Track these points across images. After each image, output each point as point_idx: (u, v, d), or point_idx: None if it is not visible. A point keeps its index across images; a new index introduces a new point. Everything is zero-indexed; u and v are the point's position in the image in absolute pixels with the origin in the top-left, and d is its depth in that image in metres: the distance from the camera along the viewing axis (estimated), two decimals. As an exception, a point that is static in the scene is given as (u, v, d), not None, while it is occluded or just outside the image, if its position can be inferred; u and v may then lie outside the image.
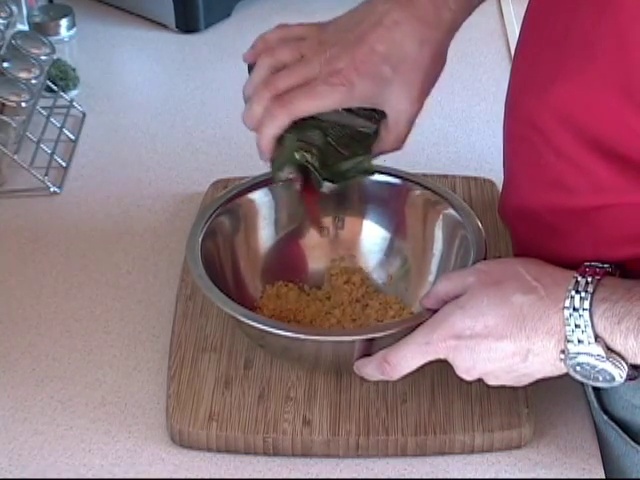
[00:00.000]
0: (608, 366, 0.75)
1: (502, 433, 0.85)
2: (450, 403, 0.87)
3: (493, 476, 0.84)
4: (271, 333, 0.83)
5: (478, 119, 1.25)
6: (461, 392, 0.88)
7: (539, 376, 0.80)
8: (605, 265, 0.77)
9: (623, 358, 0.74)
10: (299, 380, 0.89)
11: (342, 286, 0.96)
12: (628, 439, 0.86)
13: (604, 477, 0.85)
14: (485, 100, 1.27)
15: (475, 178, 1.10)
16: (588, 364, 0.75)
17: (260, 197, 0.97)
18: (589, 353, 0.74)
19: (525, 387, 0.87)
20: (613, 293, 0.75)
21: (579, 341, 0.74)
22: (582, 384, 0.91)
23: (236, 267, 0.95)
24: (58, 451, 0.86)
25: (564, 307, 0.75)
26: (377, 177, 0.97)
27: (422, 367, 0.89)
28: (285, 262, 0.98)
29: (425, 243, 0.96)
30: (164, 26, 1.44)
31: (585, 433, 0.88)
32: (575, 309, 0.74)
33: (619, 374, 0.75)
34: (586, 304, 0.74)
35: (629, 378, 0.77)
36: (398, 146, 0.92)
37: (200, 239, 0.91)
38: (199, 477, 0.85)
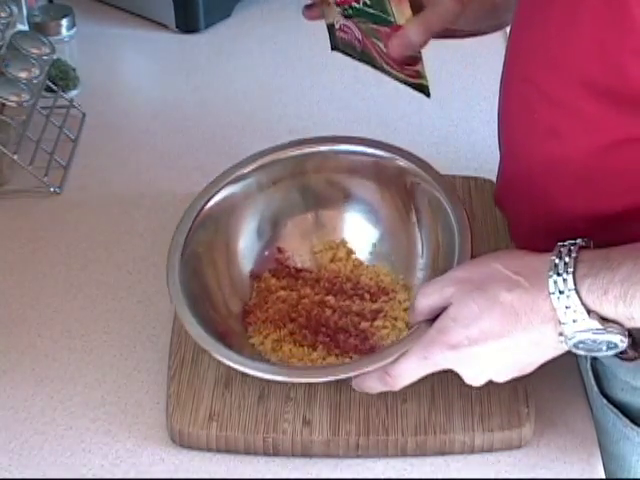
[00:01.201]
0: (607, 336, 0.75)
1: (502, 433, 0.85)
2: (450, 403, 0.87)
3: (493, 476, 0.84)
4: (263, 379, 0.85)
5: (478, 119, 1.25)
6: (461, 392, 0.88)
7: (543, 361, 0.80)
8: (578, 240, 0.77)
9: (619, 323, 0.75)
10: (299, 380, 0.89)
11: (329, 265, 0.97)
12: (627, 421, 0.87)
13: (604, 477, 0.85)
14: (485, 100, 1.27)
15: (475, 178, 1.10)
16: (588, 340, 0.75)
17: (234, 198, 0.97)
18: (586, 329, 0.75)
19: (525, 387, 0.87)
20: (592, 267, 0.75)
21: (574, 321, 0.75)
22: (582, 382, 0.91)
23: (220, 276, 0.95)
24: (58, 451, 0.86)
25: (550, 293, 0.75)
26: (354, 148, 0.98)
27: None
28: (268, 255, 0.98)
29: (402, 212, 0.97)
30: (164, 26, 1.44)
31: (585, 433, 0.88)
32: (561, 292, 0.75)
33: (620, 339, 0.75)
34: (570, 284, 0.74)
35: (629, 359, 0.77)
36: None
37: (178, 256, 0.92)
38: (199, 477, 0.85)
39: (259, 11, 1.49)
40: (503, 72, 0.88)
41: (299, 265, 0.98)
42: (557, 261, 0.76)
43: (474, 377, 0.82)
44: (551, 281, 0.75)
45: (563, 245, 0.77)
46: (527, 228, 0.88)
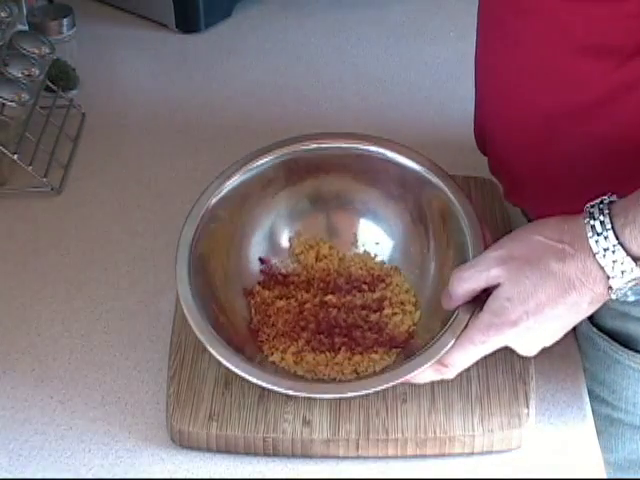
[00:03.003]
0: None
1: (502, 433, 0.85)
2: (450, 403, 0.87)
3: (493, 476, 0.84)
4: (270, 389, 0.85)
5: (478, 119, 1.25)
6: (461, 392, 0.88)
7: (586, 315, 0.81)
8: (604, 198, 0.78)
9: None
10: (299, 380, 0.89)
11: (316, 264, 0.97)
12: (618, 345, 0.91)
13: (604, 477, 0.85)
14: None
15: (475, 178, 1.10)
16: (637, 289, 0.78)
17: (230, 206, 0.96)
18: (636, 278, 0.77)
19: (525, 387, 0.87)
20: (627, 215, 0.77)
21: (622, 272, 0.76)
22: (582, 382, 0.91)
23: (222, 300, 0.93)
24: (58, 451, 0.86)
25: (595, 254, 0.77)
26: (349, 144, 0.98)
27: (422, 367, 0.89)
28: (252, 269, 0.97)
29: (366, 193, 0.98)
30: (164, 26, 1.44)
31: (585, 433, 0.88)
32: (605, 249, 0.76)
33: None
34: (612, 239, 0.76)
35: None
36: None
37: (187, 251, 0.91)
38: (199, 477, 0.85)
39: (259, 11, 1.49)
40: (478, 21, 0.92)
41: (284, 271, 0.97)
42: (593, 222, 0.77)
43: (529, 349, 0.83)
44: (592, 241, 0.77)
45: (592, 206, 0.78)
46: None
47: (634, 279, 0.76)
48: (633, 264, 0.76)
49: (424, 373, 0.84)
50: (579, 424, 0.88)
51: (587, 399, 0.90)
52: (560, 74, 0.85)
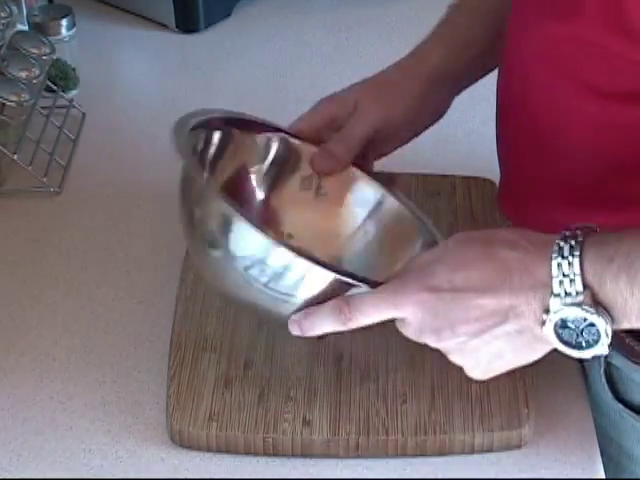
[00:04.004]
0: (595, 318, 0.70)
1: (502, 433, 0.85)
2: (450, 403, 0.87)
3: (493, 476, 0.84)
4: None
5: (478, 119, 1.25)
6: (461, 392, 0.88)
7: (511, 357, 0.76)
8: (587, 225, 0.73)
9: (609, 313, 0.71)
10: (299, 380, 0.89)
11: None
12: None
13: (604, 477, 0.85)
14: (485, 100, 1.27)
15: (475, 178, 1.10)
16: (574, 319, 0.71)
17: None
18: (576, 303, 0.70)
19: (525, 387, 0.87)
20: (602, 238, 0.72)
21: (566, 294, 0.70)
22: (582, 382, 0.91)
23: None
24: (58, 451, 0.86)
25: (552, 257, 0.71)
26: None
27: (422, 367, 0.89)
28: None
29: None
30: (164, 26, 1.44)
31: (585, 433, 0.88)
32: (564, 257, 0.70)
33: (605, 330, 0.71)
34: (576, 250, 0.70)
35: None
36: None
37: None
38: (199, 477, 0.85)
39: (259, 11, 1.49)
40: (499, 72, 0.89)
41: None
42: (567, 233, 0.72)
43: (436, 329, 0.75)
44: (556, 246, 0.71)
45: (576, 227, 0.73)
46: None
47: (578, 303, 0.70)
48: (581, 287, 0.70)
49: (325, 309, 0.77)
50: (579, 424, 0.88)
51: (587, 399, 0.90)
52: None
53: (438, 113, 0.99)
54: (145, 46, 1.42)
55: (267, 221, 0.94)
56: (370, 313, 0.76)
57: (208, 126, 0.93)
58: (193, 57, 1.40)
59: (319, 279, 0.78)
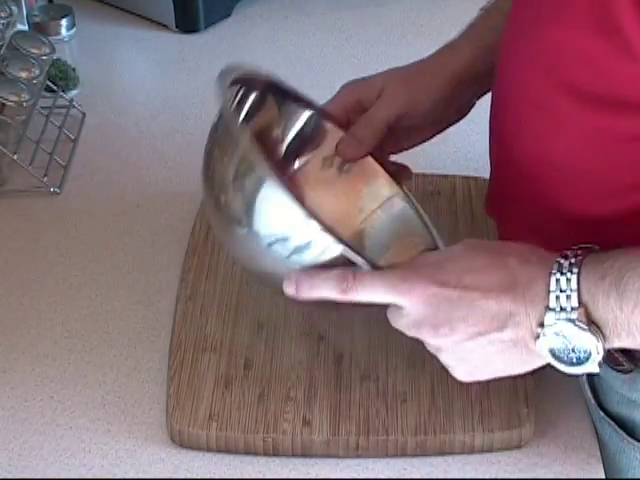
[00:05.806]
0: (587, 336, 0.71)
1: (502, 433, 0.85)
2: (450, 403, 0.87)
3: (493, 476, 0.84)
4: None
5: (478, 119, 1.25)
6: (461, 392, 0.88)
7: (501, 365, 0.76)
8: (589, 245, 0.75)
9: (601, 331, 0.72)
10: (299, 380, 0.89)
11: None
12: (624, 434, 0.86)
13: (604, 477, 0.85)
14: (485, 100, 1.27)
15: (475, 178, 1.10)
16: (567, 335, 0.72)
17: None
18: (570, 319, 0.71)
19: (525, 387, 0.87)
20: (599, 256, 0.73)
21: (561, 309, 0.72)
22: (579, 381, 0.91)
23: None
24: (58, 451, 0.86)
25: (552, 272, 0.72)
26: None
27: (422, 367, 0.89)
28: None
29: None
30: (164, 26, 1.44)
31: (585, 433, 0.88)
32: (562, 273, 0.72)
33: (596, 348, 0.72)
34: (575, 268, 0.72)
35: (624, 371, 0.76)
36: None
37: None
38: (199, 477, 0.85)
39: (259, 11, 1.49)
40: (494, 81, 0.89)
41: None
42: (568, 252, 0.74)
43: (434, 325, 0.75)
44: (556, 263, 0.73)
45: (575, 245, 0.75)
46: (516, 235, 0.87)
47: (571, 320, 0.71)
48: (576, 302, 0.71)
49: (329, 276, 0.76)
50: (579, 424, 0.88)
51: (587, 399, 0.90)
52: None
53: (462, 112, 0.99)
54: (145, 46, 1.42)
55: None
56: (372, 290, 0.75)
57: (248, 84, 0.93)
58: (193, 57, 1.40)
59: (339, 258, 0.76)
